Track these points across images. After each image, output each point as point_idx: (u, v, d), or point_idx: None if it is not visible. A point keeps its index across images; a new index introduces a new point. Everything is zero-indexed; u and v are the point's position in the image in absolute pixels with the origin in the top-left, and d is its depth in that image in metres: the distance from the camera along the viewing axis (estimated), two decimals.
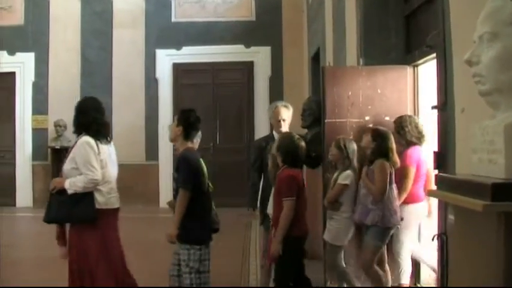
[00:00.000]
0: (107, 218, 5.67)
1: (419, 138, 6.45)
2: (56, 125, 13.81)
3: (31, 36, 14.72)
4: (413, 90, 7.01)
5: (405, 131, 6.37)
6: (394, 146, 6.06)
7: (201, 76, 14.67)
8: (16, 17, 14.80)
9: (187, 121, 5.68)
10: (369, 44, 7.48)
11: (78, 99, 13.94)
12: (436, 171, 5.53)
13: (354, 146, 6.34)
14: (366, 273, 6.12)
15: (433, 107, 5.63)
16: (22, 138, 14.13)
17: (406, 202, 6.27)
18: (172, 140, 5.84)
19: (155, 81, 14.67)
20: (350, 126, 6.86)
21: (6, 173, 14.43)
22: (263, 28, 14.53)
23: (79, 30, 14.73)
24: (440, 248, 5.33)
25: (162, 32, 14.63)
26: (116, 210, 5.83)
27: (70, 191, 5.54)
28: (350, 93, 6.93)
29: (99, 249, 5.60)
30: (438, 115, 5.43)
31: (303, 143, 5.88)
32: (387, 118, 6.87)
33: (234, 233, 7.92)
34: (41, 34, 14.69)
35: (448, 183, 3.32)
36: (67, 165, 5.70)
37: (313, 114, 7.66)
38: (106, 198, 5.66)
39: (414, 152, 6.41)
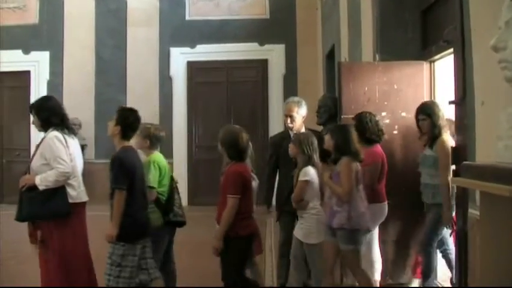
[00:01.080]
0: (78, 212, 5.69)
1: (379, 136, 6.45)
2: (71, 123, 13.83)
3: (46, 35, 14.77)
4: (429, 86, 6.98)
5: (365, 128, 6.33)
6: (355, 140, 5.86)
7: (215, 74, 14.63)
8: (31, 16, 14.85)
9: (125, 121, 5.63)
10: (386, 39, 7.43)
11: (93, 97, 14.39)
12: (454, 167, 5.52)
13: (314, 141, 6.15)
14: (353, 275, 6.01)
15: (450, 102, 5.58)
16: (37, 136, 14.02)
17: (371, 201, 6.16)
18: (110, 136, 5.79)
19: (170, 79, 14.66)
20: None
21: (22, 171, 14.39)
22: (277, 26, 14.48)
23: (93, 28, 14.75)
24: (458, 243, 5.29)
25: (176, 30, 14.62)
26: (85, 204, 5.85)
27: (41, 187, 5.56)
28: (366, 88, 6.90)
29: (72, 243, 5.62)
30: (455, 110, 5.39)
31: (244, 134, 5.73)
32: (403, 114, 6.85)
33: None
34: (56, 33, 14.73)
35: (474, 170, 3.27)
36: (36, 162, 5.73)
37: (329, 111, 7.61)
38: (77, 192, 5.69)
39: (376, 149, 6.41)
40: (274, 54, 14.63)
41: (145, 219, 5.66)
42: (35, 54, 14.75)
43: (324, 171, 5.98)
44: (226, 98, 14.62)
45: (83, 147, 13.25)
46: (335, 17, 11.02)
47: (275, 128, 13.04)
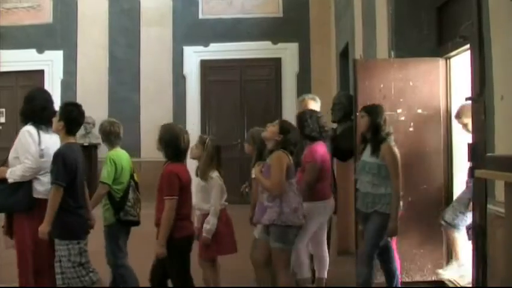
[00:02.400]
0: (46, 208, 5.54)
1: (321, 133, 6.39)
2: (85, 122, 13.79)
3: (59, 34, 14.79)
4: (445, 83, 6.94)
5: (304, 126, 6.27)
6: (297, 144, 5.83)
7: (229, 73, 14.62)
8: (44, 15, 14.89)
9: (68, 117, 5.54)
10: (401, 36, 7.41)
11: (106, 96, 14.41)
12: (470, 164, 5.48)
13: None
14: (277, 275, 5.80)
15: (467, 99, 5.55)
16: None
17: (313, 199, 6.14)
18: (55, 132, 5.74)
19: (183, 78, 14.65)
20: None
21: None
22: (290, 24, 14.44)
23: (106, 28, 14.76)
24: (475, 240, 5.25)
25: (189, 29, 14.62)
26: None
27: (10, 180, 5.58)
28: (381, 85, 6.88)
29: (32, 238, 5.54)
30: (472, 106, 5.36)
31: (186, 135, 5.62)
32: (419, 111, 6.82)
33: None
34: (70, 32, 14.75)
35: (498, 162, 3.24)
36: (11, 155, 5.74)
37: (344, 109, 7.62)
38: (46, 188, 5.59)
39: (318, 147, 6.34)
40: (288, 53, 14.60)
41: (87, 214, 5.66)
42: (49, 54, 14.77)
43: (256, 166, 5.91)
44: (240, 96, 14.60)
45: (96, 146, 13.34)
46: (348, 15, 10.99)
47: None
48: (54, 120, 5.62)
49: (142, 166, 11.76)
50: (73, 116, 5.56)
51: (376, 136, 5.90)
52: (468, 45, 5.71)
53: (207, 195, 6.00)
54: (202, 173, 6.03)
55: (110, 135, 6.26)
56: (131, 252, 6.34)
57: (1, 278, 6.77)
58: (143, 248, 6.01)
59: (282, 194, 5.54)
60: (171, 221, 5.29)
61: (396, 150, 5.80)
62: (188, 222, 5.59)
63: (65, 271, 5.40)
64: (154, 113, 13.95)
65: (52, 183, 5.37)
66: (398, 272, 6.22)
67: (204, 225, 5.92)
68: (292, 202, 5.58)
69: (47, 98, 5.96)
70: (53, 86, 14.46)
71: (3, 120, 14.58)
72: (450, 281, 6.62)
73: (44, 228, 5.32)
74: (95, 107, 13.89)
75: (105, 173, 6.07)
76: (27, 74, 14.72)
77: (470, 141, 5.48)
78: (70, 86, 14.61)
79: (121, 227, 6.14)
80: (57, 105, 5.89)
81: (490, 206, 4.70)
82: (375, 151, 5.85)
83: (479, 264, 5.05)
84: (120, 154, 6.20)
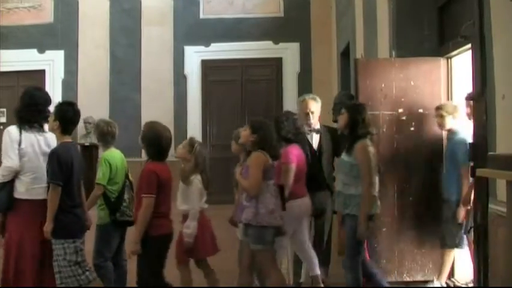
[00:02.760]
0: (29, 209, 5.55)
1: (296, 135, 6.39)
2: (86, 122, 13.84)
3: (60, 34, 14.79)
4: (446, 82, 6.94)
5: (280, 127, 6.25)
6: (275, 140, 5.79)
7: (230, 73, 14.62)
8: (46, 15, 14.90)
9: (63, 116, 5.54)
10: (402, 36, 7.41)
11: (107, 96, 14.41)
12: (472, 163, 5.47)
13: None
14: (265, 276, 5.78)
15: (467, 98, 5.55)
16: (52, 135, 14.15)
17: (288, 198, 6.09)
18: (50, 131, 5.73)
19: (184, 78, 14.66)
20: (383, 118, 6.79)
21: None
22: (291, 24, 14.45)
23: (107, 27, 14.78)
24: (476, 240, 5.24)
25: (190, 28, 14.63)
26: (42, 202, 5.54)
27: None
28: (382, 85, 6.87)
29: (17, 239, 5.53)
30: (474, 106, 5.36)
31: (168, 134, 5.60)
32: (420, 110, 6.82)
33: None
34: (70, 32, 14.76)
35: (500, 161, 3.24)
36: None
37: None
38: (28, 188, 5.56)
39: (293, 149, 6.32)
40: (289, 53, 14.61)
41: (83, 213, 5.65)
42: (50, 54, 14.79)
43: (238, 166, 5.93)
44: (241, 96, 14.60)
45: (97, 146, 13.32)
46: (350, 15, 10.99)
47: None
48: (50, 119, 5.61)
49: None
50: (68, 116, 5.55)
51: (352, 134, 5.81)
52: (469, 45, 5.72)
53: (186, 197, 5.99)
54: (185, 177, 6.02)
55: (107, 136, 6.24)
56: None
57: None
58: None
59: (259, 194, 5.53)
60: (147, 218, 5.29)
61: (370, 150, 5.64)
62: (167, 220, 5.55)
63: (62, 270, 5.39)
64: (155, 113, 13.86)
65: (49, 183, 5.38)
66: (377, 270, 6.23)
67: (184, 230, 5.91)
68: (269, 203, 5.56)
69: (36, 96, 5.83)
70: (54, 86, 14.49)
71: (4, 120, 14.61)
72: (451, 280, 6.62)
73: (47, 228, 5.33)
74: (96, 106, 13.90)
75: (100, 174, 6.05)
76: (28, 74, 14.72)
77: (471, 140, 5.49)
78: (71, 85, 14.62)
79: (115, 228, 6.11)
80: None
81: (491, 206, 4.70)
82: (349, 149, 5.77)
83: (480, 263, 5.05)
84: (114, 154, 6.17)
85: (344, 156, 5.83)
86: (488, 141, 4.81)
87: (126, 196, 6.14)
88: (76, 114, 5.62)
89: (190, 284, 6.09)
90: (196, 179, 6.05)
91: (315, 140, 6.89)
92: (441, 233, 6.48)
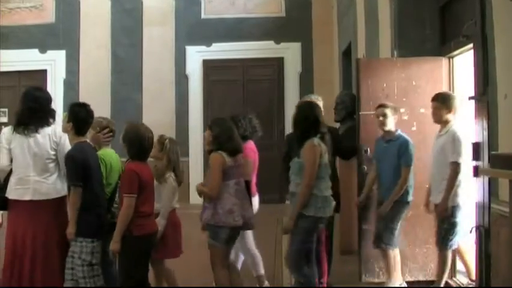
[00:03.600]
0: (15, 209, 5.61)
1: (252, 133, 6.57)
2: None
3: (62, 34, 14.77)
4: (448, 82, 6.94)
5: (237, 125, 6.26)
6: (235, 135, 5.83)
7: (231, 72, 14.61)
8: (47, 15, 14.89)
9: (76, 117, 5.57)
10: (404, 35, 7.41)
11: (109, 96, 14.41)
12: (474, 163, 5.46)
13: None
14: (213, 272, 5.85)
15: (470, 98, 5.54)
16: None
17: None
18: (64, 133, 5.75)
19: (186, 77, 14.65)
20: None
21: None
22: (293, 24, 14.43)
23: (109, 27, 14.76)
24: (478, 240, 5.24)
25: (192, 28, 14.62)
26: (27, 203, 5.58)
27: None
28: (384, 85, 6.88)
29: (11, 239, 5.59)
30: (475, 105, 5.35)
31: (150, 134, 5.58)
32: (422, 110, 6.82)
33: (265, 229, 7.88)
34: (72, 32, 14.75)
35: (502, 160, 3.23)
36: None
37: (346, 109, 7.61)
38: (12, 188, 5.61)
39: (250, 145, 6.50)
40: (290, 53, 14.59)
41: (105, 214, 5.67)
42: (51, 53, 14.77)
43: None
44: (242, 96, 14.58)
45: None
46: (351, 14, 10.99)
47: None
48: (64, 121, 5.66)
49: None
50: (81, 117, 5.59)
51: (301, 133, 5.88)
52: (471, 45, 5.72)
53: (158, 196, 5.96)
54: (159, 176, 6.03)
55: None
56: None
57: None
58: None
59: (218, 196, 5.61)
60: (128, 218, 5.28)
61: (316, 150, 5.66)
62: (149, 220, 5.54)
63: (74, 267, 5.43)
64: (156, 113, 13.96)
65: (69, 185, 5.45)
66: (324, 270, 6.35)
67: None
68: (226, 203, 5.61)
69: (40, 98, 5.83)
70: (56, 86, 14.49)
71: (5, 120, 14.60)
72: (452, 280, 6.61)
73: (70, 229, 5.39)
74: (98, 106, 13.63)
75: None
76: (29, 74, 14.71)
77: (474, 140, 5.48)
78: (72, 85, 14.61)
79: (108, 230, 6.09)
80: (57, 105, 5.87)
81: (493, 205, 4.69)
82: (299, 149, 5.82)
83: (482, 263, 5.05)
84: (109, 153, 6.12)
85: (296, 157, 5.86)
86: (491, 141, 4.80)
87: (118, 198, 6.12)
88: (89, 114, 5.66)
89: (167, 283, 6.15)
90: (171, 177, 6.10)
91: None
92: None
